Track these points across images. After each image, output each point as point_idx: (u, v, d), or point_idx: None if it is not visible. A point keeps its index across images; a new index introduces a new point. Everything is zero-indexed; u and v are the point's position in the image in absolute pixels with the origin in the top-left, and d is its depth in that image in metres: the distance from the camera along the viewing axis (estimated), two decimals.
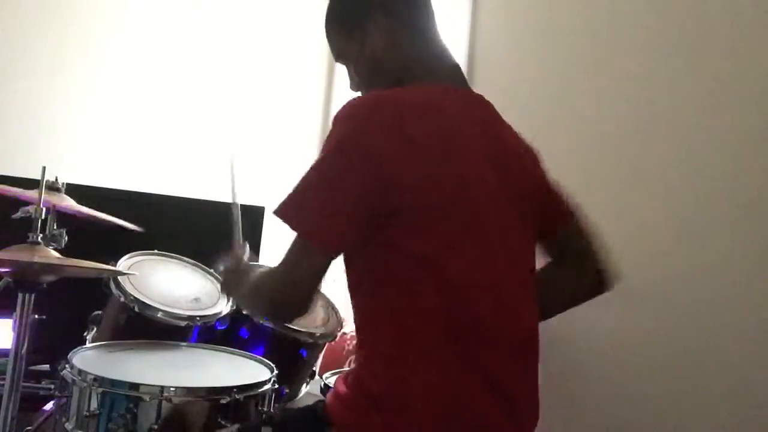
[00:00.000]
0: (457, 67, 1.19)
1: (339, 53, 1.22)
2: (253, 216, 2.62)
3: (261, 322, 1.70)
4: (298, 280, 1.02)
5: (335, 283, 1.14)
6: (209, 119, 2.77)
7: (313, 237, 1.01)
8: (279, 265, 1.04)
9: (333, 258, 1.01)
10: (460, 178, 1.03)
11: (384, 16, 1.15)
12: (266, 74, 2.94)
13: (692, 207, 1.79)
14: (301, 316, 1.06)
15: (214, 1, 2.83)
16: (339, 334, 1.88)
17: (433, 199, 1.00)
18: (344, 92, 3.20)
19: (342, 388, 1.05)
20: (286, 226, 1.03)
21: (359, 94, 1.19)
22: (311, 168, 1.02)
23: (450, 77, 1.17)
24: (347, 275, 1.09)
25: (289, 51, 3.00)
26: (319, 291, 1.04)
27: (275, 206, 1.04)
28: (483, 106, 1.17)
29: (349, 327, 1.95)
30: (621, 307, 1.83)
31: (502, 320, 1.03)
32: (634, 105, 1.94)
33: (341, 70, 3.20)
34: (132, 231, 1.84)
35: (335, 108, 3.50)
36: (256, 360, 1.60)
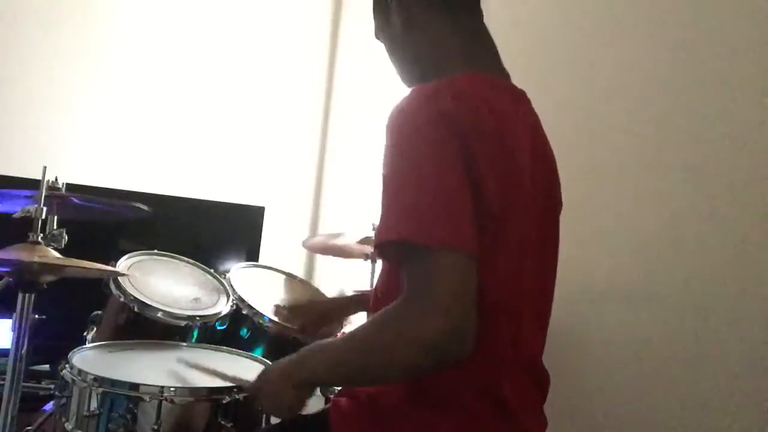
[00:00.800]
0: (496, 55, 1.07)
1: (376, 30, 1.13)
2: (253, 216, 2.62)
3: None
4: (454, 300, 0.79)
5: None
6: (210, 120, 2.78)
7: (447, 240, 0.80)
8: (401, 305, 0.82)
9: (470, 256, 0.82)
10: (520, 186, 0.93)
11: None
12: (267, 74, 2.94)
13: (695, 207, 1.78)
14: (468, 351, 0.80)
15: (215, 1, 2.83)
16: (339, 334, 1.88)
17: (505, 201, 0.88)
18: (344, 92, 3.21)
19: (346, 402, 1.03)
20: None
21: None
22: (393, 175, 0.86)
23: (489, 67, 1.05)
24: (380, 282, 1.02)
25: (290, 51, 3.00)
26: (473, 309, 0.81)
27: (379, 237, 0.84)
28: (527, 103, 1.07)
29: (349, 327, 1.95)
30: (625, 308, 1.83)
31: (518, 345, 0.97)
32: (635, 105, 1.94)
33: (342, 71, 3.19)
34: (132, 229, 1.84)
35: (335, 108, 3.49)
36: (256, 360, 1.59)
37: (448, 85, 0.91)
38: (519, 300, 0.96)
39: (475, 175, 0.84)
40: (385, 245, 0.85)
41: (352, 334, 0.91)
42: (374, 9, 1.11)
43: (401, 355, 0.83)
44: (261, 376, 1.07)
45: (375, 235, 0.87)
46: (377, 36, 1.12)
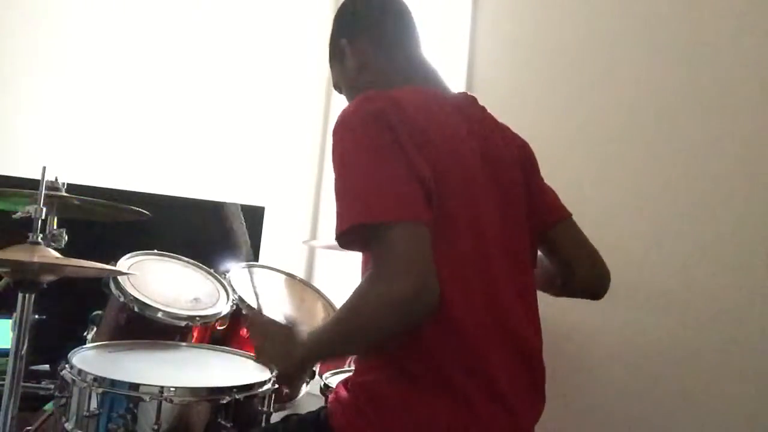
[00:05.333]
0: (436, 74, 1.20)
1: (334, 82, 1.29)
2: (253, 216, 2.62)
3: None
4: (410, 264, 0.89)
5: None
6: (209, 119, 2.78)
7: (393, 214, 0.91)
8: (373, 273, 0.92)
9: (422, 223, 0.92)
10: (459, 169, 1.03)
11: (351, 40, 1.21)
12: (267, 74, 2.94)
13: (696, 209, 1.78)
14: (435, 305, 0.91)
15: (215, 1, 2.83)
16: None
17: (440, 186, 0.98)
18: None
19: (345, 395, 1.04)
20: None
21: None
22: (339, 173, 0.97)
23: (430, 83, 1.18)
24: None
25: (290, 51, 3.00)
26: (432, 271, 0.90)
27: (336, 230, 0.94)
28: (467, 105, 1.17)
29: None
30: (625, 308, 1.83)
31: (499, 324, 1.02)
32: (635, 109, 1.94)
33: None
34: (132, 229, 1.84)
35: (335, 108, 3.51)
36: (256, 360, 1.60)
37: (377, 92, 1.04)
38: (483, 270, 1.01)
39: (409, 159, 0.95)
40: (343, 235, 0.94)
41: (336, 312, 0.99)
42: (330, 62, 1.27)
43: (374, 319, 0.92)
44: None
45: (334, 230, 0.95)
46: (336, 86, 1.27)
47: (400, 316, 0.90)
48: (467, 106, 1.17)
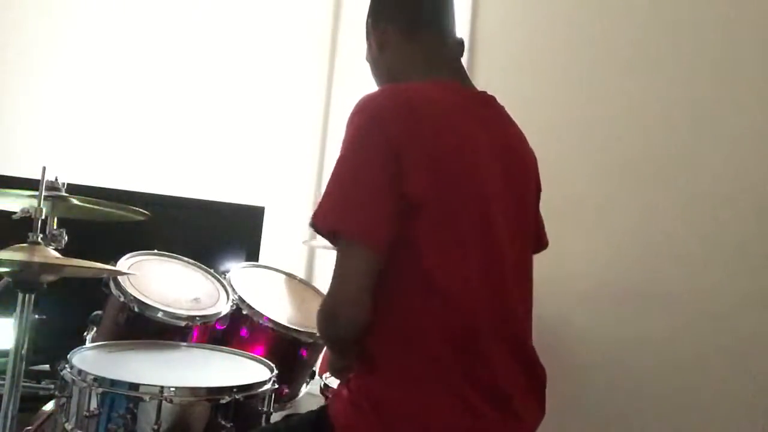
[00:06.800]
0: (457, 65, 1.20)
1: (366, 54, 1.30)
2: (253, 216, 2.62)
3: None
4: (341, 282, 0.98)
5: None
6: (209, 119, 2.78)
7: (348, 233, 0.97)
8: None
9: (376, 252, 0.97)
10: (471, 174, 1.03)
11: (375, 20, 1.21)
12: (267, 74, 2.94)
13: (698, 209, 1.78)
14: (356, 323, 0.97)
15: (215, 1, 2.83)
16: None
17: (445, 194, 0.99)
18: (344, 92, 3.21)
19: (345, 395, 1.05)
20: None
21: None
22: (334, 168, 1.02)
23: (450, 75, 1.17)
24: None
25: (290, 50, 3.00)
26: (368, 294, 0.97)
27: (314, 219, 1.01)
28: (487, 105, 1.17)
29: None
30: (625, 310, 1.83)
31: (503, 328, 1.03)
32: (636, 100, 1.93)
33: (341, 71, 3.19)
34: (132, 229, 1.84)
35: (335, 107, 3.48)
36: (256, 360, 1.60)
37: (389, 88, 1.09)
38: (493, 276, 1.02)
39: (404, 168, 0.97)
40: (313, 230, 1.01)
41: None
42: (366, 37, 1.28)
43: (318, 325, 1.03)
44: None
45: (313, 214, 1.00)
46: (366, 59, 1.29)
47: (324, 329, 1.01)
48: (485, 105, 1.16)
